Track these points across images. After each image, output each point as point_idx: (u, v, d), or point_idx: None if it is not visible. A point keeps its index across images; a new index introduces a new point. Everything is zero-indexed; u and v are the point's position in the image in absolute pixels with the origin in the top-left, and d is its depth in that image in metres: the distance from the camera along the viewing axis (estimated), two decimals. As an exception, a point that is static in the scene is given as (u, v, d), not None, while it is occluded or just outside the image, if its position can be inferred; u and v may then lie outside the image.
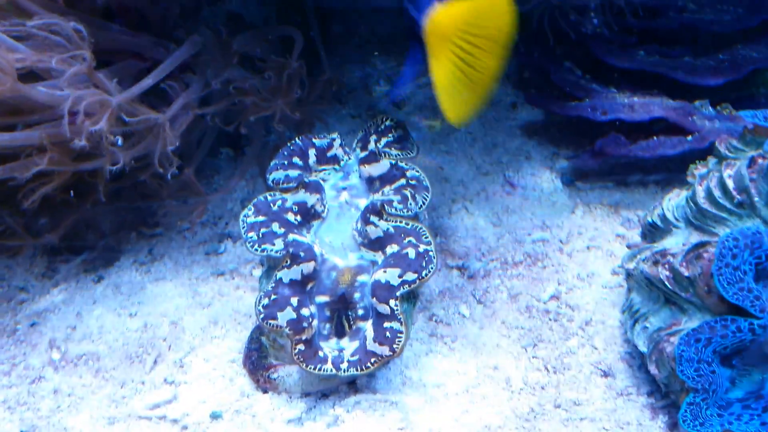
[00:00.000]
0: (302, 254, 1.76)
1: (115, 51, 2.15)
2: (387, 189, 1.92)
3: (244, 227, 1.84)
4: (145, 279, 2.25)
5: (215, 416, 1.78)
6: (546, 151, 2.79)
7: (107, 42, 2.11)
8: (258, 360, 1.86)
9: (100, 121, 1.81)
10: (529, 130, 2.90)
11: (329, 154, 2.05)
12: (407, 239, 1.79)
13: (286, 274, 1.76)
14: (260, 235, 1.81)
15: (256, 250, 1.80)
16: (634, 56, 2.66)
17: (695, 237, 1.78)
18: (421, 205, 1.89)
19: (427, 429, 1.73)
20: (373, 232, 1.80)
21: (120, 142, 1.90)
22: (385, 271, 1.74)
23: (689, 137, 2.42)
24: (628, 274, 1.92)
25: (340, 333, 1.79)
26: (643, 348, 1.80)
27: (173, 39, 2.22)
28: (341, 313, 1.79)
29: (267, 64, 2.26)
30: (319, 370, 1.70)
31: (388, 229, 1.81)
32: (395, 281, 1.73)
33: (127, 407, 1.82)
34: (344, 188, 1.99)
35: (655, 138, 2.47)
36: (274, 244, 1.79)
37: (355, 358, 1.71)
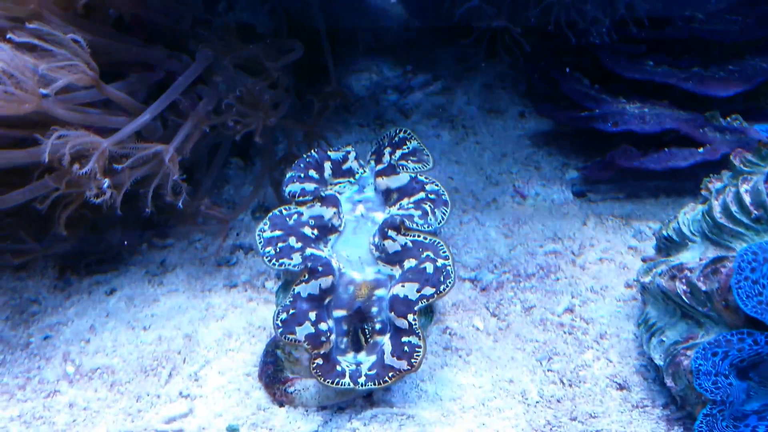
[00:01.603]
0: (321, 269, 1.75)
1: (128, 63, 2.14)
2: (405, 202, 1.90)
3: (260, 242, 1.82)
4: (157, 291, 2.24)
5: (232, 430, 1.77)
6: (556, 162, 2.79)
7: (120, 54, 2.11)
8: (274, 373, 1.85)
9: (88, 164, 1.80)
10: (538, 139, 2.90)
11: (344, 166, 2.03)
12: (425, 253, 1.78)
13: (304, 289, 1.75)
14: (278, 250, 1.80)
15: (274, 264, 1.79)
16: (643, 67, 2.66)
17: (711, 251, 1.78)
18: (440, 220, 1.87)
19: (444, 443, 1.73)
20: (391, 246, 1.79)
21: (106, 185, 1.86)
22: (403, 286, 1.74)
23: (701, 149, 2.43)
24: (644, 288, 1.92)
25: (356, 347, 1.79)
26: (659, 361, 1.80)
27: (186, 51, 2.22)
28: (358, 327, 1.79)
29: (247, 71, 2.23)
30: (337, 384, 1.69)
31: (406, 243, 1.79)
32: (413, 296, 1.72)
33: (143, 421, 1.81)
34: (360, 201, 1.97)
35: (666, 150, 2.48)
36: (292, 259, 1.78)
37: (373, 372, 1.71)
